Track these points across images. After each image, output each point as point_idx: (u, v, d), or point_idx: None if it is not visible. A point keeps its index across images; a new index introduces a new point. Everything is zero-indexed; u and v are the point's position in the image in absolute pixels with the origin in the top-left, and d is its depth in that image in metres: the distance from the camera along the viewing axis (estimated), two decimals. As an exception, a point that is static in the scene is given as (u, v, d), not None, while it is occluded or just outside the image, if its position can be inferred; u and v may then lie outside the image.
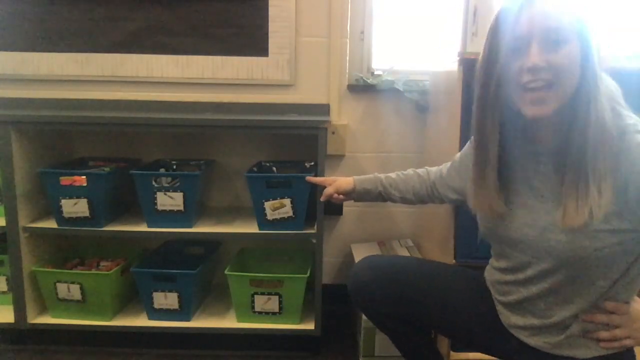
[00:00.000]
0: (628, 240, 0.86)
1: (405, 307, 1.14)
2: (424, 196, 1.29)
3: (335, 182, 1.36)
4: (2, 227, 1.57)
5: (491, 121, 0.90)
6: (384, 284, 1.14)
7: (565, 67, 0.81)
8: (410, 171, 1.32)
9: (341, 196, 1.36)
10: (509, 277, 1.02)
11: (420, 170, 1.31)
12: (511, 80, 0.86)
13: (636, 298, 0.96)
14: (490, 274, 1.11)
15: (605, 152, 0.82)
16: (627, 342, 0.93)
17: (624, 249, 0.86)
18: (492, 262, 1.11)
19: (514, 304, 1.02)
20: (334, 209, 1.91)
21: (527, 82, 0.83)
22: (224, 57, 1.82)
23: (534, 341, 1.00)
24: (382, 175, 1.33)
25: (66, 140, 1.86)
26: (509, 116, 0.90)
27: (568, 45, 0.82)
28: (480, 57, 0.91)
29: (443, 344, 1.45)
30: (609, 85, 0.88)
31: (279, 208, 1.58)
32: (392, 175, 1.32)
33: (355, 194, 1.34)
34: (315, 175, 1.58)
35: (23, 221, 1.59)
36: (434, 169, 1.29)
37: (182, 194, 1.58)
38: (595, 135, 0.82)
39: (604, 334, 0.93)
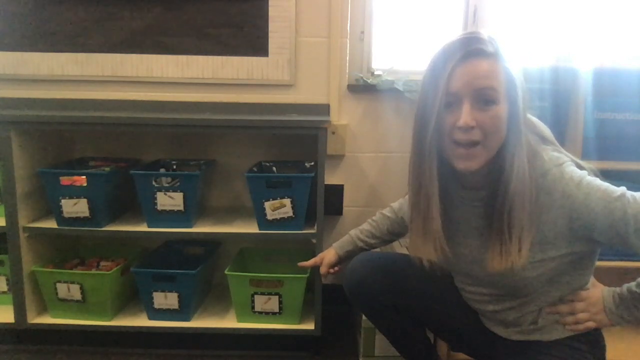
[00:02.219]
0: (567, 261, 0.94)
1: (400, 298, 1.16)
2: (400, 232, 1.36)
3: (323, 259, 1.41)
4: (2, 227, 1.57)
5: (429, 171, 0.94)
6: (378, 278, 1.17)
7: (494, 127, 0.88)
8: (378, 215, 1.39)
9: (336, 268, 1.41)
10: (470, 296, 1.11)
11: (385, 211, 1.38)
12: (444, 135, 0.91)
13: (594, 282, 1.04)
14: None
15: (525, 203, 0.89)
16: (590, 324, 0.99)
17: (564, 269, 0.96)
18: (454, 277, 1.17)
19: (481, 311, 1.11)
20: (334, 209, 1.91)
21: (458, 139, 0.89)
22: (224, 57, 1.82)
23: (506, 333, 1.07)
24: (356, 232, 1.39)
25: (66, 140, 1.86)
26: (443, 165, 0.96)
27: (497, 106, 0.87)
28: (416, 110, 0.95)
29: (443, 344, 1.45)
30: (535, 129, 0.96)
31: (279, 208, 1.58)
32: (365, 226, 1.39)
33: (343, 259, 1.40)
34: (315, 175, 1.58)
35: (23, 221, 1.59)
36: (396, 204, 1.36)
37: (182, 194, 1.58)
38: (516, 188, 0.88)
39: (568, 319, 1.01)
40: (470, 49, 0.87)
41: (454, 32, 0.94)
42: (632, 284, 0.94)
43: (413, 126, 0.97)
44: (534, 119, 0.99)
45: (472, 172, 0.93)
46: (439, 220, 0.97)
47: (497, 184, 0.91)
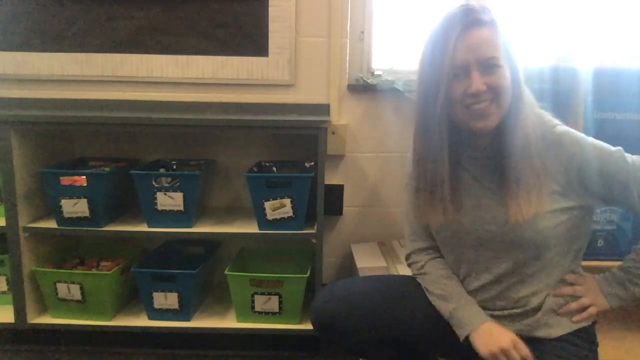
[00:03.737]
0: (575, 216, 0.99)
1: (374, 330, 1.11)
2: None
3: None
4: (2, 227, 1.57)
5: (439, 141, 0.98)
6: (347, 314, 1.10)
7: (502, 86, 0.94)
8: (428, 266, 1.15)
9: None
10: (476, 283, 1.07)
11: (421, 255, 1.17)
12: (455, 102, 0.96)
13: (585, 274, 1.08)
14: None
15: (533, 154, 0.95)
16: (592, 310, 1.03)
17: (573, 224, 0.99)
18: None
19: (488, 300, 1.07)
20: (334, 209, 1.91)
21: (471, 104, 0.94)
22: (224, 57, 1.82)
23: (514, 327, 1.04)
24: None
25: (66, 140, 1.86)
26: (452, 131, 1.00)
27: (501, 69, 0.94)
28: (418, 85, 1.01)
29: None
30: (528, 95, 1.01)
31: (279, 208, 1.58)
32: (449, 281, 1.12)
33: None
34: (315, 175, 1.58)
35: (23, 221, 1.59)
36: (408, 238, 1.19)
37: (182, 194, 1.58)
38: (522, 141, 0.95)
39: (574, 305, 1.03)
40: (469, 19, 0.93)
41: (444, 10, 0.99)
42: (622, 264, 1.02)
43: (417, 103, 1.01)
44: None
45: (486, 131, 0.97)
46: (449, 187, 1.00)
47: (504, 140, 0.97)
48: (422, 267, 1.14)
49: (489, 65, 0.93)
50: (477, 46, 0.92)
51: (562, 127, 0.99)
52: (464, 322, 1.02)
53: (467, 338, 1.01)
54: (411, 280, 1.18)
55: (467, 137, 1.03)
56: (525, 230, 0.97)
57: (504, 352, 0.95)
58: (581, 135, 0.99)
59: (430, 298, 1.10)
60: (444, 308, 1.07)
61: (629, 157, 0.96)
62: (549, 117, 1.02)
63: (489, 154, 1.02)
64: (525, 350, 0.96)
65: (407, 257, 1.20)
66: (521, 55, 0.99)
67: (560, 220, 0.98)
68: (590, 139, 0.98)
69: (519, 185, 0.96)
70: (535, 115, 0.99)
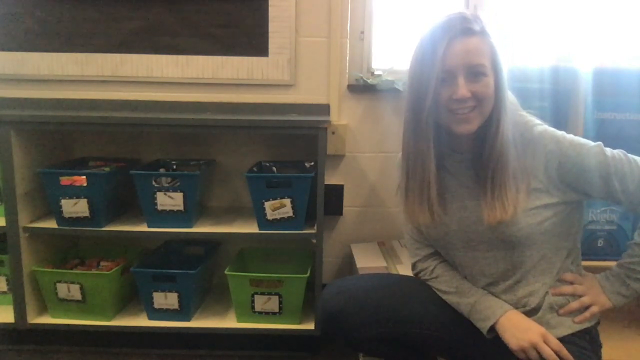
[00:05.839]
0: (561, 212, 1.01)
1: (382, 327, 1.11)
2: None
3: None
4: (2, 227, 1.57)
5: (426, 141, 1.02)
6: (355, 309, 1.11)
7: (485, 95, 0.97)
8: (438, 269, 1.17)
9: None
10: (479, 270, 1.08)
11: (423, 260, 1.20)
12: (441, 106, 0.99)
13: (585, 273, 1.10)
14: None
15: (510, 155, 0.98)
16: (594, 309, 1.03)
17: (560, 220, 1.01)
18: None
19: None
20: (334, 209, 1.91)
21: (455, 109, 0.98)
22: (224, 57, 1.82)
23: None
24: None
25: (66, 140, 1.86)
26: (437, 134, 1.04)
27: (486, 77, 0.97)
28: (409, 87, 1.03)
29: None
30: (511, 100, 1.05)
31: (279, 208, 1.58)
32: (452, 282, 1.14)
33: None
34: (315, 175, 1.58)
35: (23, 221, 1.59)
36: (410, 245, 1.23)
37: (182, 194, 1.58)
38: (502, 145, 0.98)
39: (574, 305, 1.03)
40: (461, 28, 0.96)
41: (440, 14, 1.02)
42: (620, 260, 1.03)
43: (407, 103, 1.04)
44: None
45: (467, 135, 1.00)
46: (435, 186, 1.03)
47: (483, 144, 1.00)
48: (432, 271, 1.16)
49: (475, 73, 0.96)
50: (465, 54, 0.95)
51: (541, 127, 1.01)
52: (487, 313, 1.03)
53: (490, 330, 1.02)
54: (418, 280, 1.19)
55: (450, 140, 1.06)
56: (508, 228, 0.99)
57: (535, 346, 0.96)
58: (560, 133, 1.01)
59: (446, 297, 1.11)
60: (464, 303, 1.07)
61: (608, 150, 0.98)
62: (530, 118, 1.04)
63: (470, 157, 1.05)
64: (555, 342, 0.97)
65: (414, 267, 1.22)
66: (508, 64, 1.02)
67: (544, 216, 0.99)
68: (570, 136, 1.00)
69: (495, 187, 0.98)
70: (517, 117, 1.02)
